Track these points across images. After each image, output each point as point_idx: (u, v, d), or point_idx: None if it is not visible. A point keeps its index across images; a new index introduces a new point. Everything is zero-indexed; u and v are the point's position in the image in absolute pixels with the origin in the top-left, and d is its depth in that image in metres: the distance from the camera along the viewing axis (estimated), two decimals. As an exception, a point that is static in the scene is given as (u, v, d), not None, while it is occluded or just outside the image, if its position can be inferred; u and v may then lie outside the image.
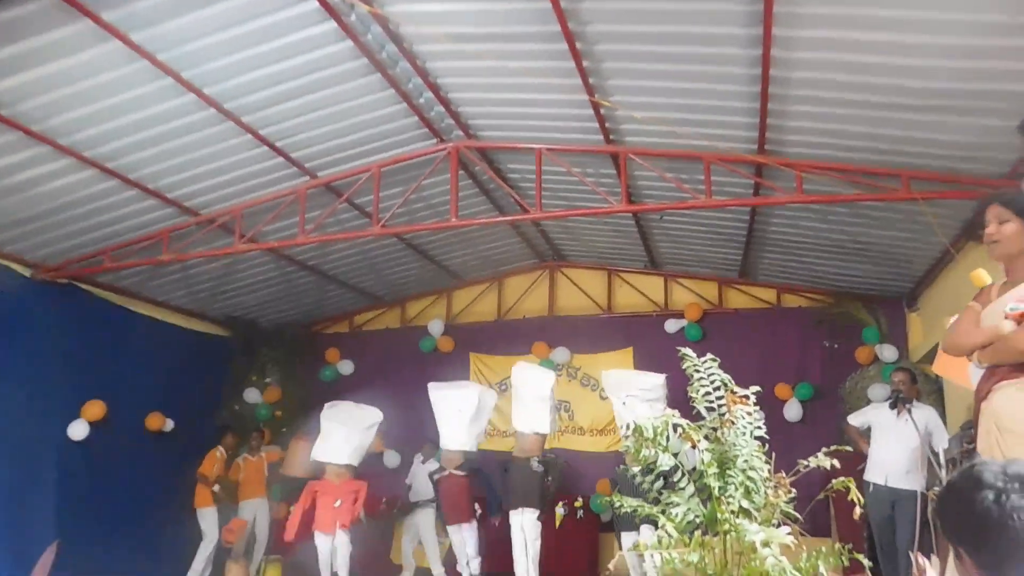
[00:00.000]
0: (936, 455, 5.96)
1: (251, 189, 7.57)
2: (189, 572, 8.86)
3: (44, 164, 6.37)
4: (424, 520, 9.16)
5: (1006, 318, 2.89)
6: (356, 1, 5.10)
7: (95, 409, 8.22)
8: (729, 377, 3.58)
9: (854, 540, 4.81)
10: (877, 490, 6.29)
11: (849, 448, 3.70)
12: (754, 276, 10.11)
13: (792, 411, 9.35)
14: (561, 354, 10.54)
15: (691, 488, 3.40)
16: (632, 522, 6.60)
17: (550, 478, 8.09)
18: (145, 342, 8.95)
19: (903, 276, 8.78)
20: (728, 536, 3.22)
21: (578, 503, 9.35)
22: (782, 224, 8.22)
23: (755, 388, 3.57)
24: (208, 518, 9.07)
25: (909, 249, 7.93)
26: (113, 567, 7.85)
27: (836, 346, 9.60)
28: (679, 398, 4.16)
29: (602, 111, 6.38)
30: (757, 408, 3.54)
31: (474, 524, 8.34)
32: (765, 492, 3.33)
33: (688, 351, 3.72)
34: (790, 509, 3.37)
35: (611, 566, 3.43)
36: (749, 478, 3.29)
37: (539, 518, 7.94)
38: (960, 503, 1.59)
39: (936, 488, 5.20)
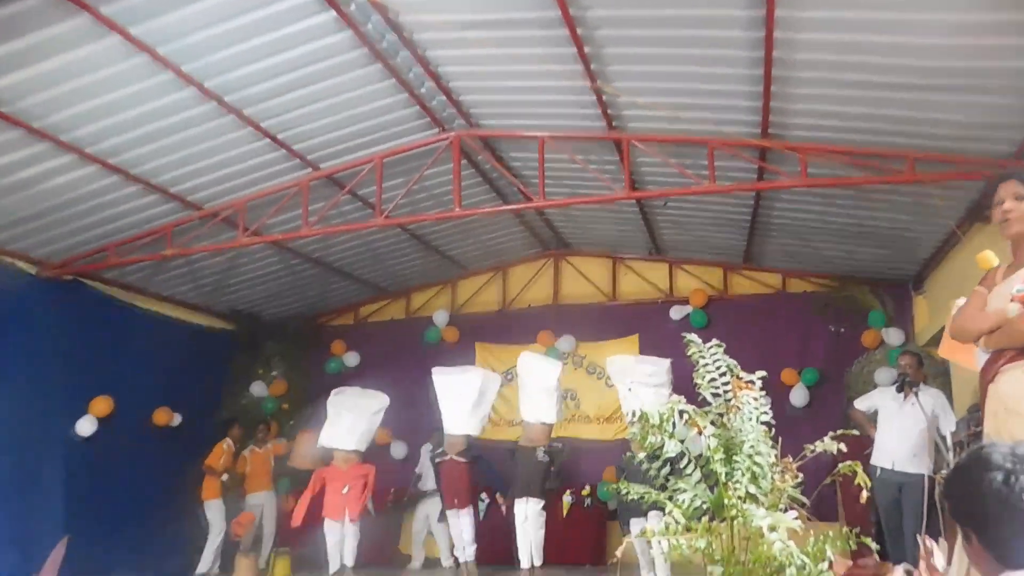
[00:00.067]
0: (943, 438, 5.95)
1: (254, 182, 7.57)
2: (199, 565, 8.92)
3: (46, 161, 6.37)
4: (434, 509, 9.19)
5: (1012, 300, 2.87)
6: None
7: (102, 405, 8.25)
8: (735, 363, 3.57)
9: (861, 524, 4.80)
10: (884, 474, 6.27)
11: (855, 432, 3.69)
12: (759, 261, 10.08)
13: (798, 396, 9.34)
14: (566, 342, 10.53)
15: (697, 474, 3.40)
16: (639, 509, 6.61)
17: (553, 468, 8.15)
18: (150, 337, 8.97)
19: (909, 259, 8.73)
20: (735, 521, 3.22)
21: (585, 491, 9.38)
22: (786, 208, 8.18)
23: (761, 373, 3.57)
24: (215, 510, 9.13)
25: (915, 232, 7.88)
26: (119, 562, 7.89)
27: (842, 330, 9.58)
28: (685, 385, 4.15)
29: (604, 97, 6.35)
30: (763, 393, 3.53)
31: (470, 510, 8.40)
32: (772, 477, 3.32)
33: (693, 338, 3.72)
34: (797, 494, 3.37)
35: (618, 553, 3.42)
36: (756, 463, 3.29)
37: (544, 508, 7.98)
38: (969, 484, 1.59)
39: (943, 472, 5.19)
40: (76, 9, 4.86)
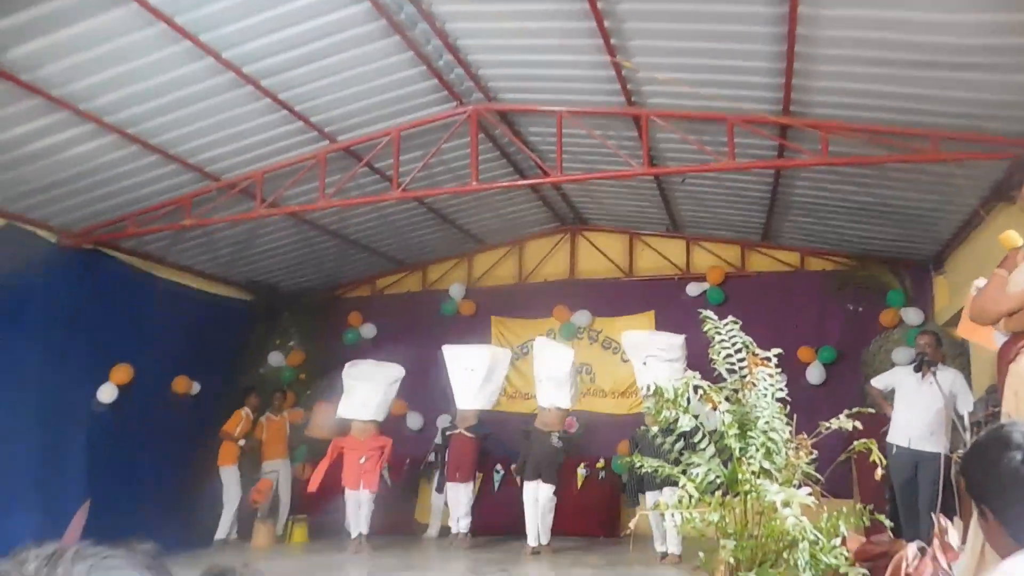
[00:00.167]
0: (961, 418, 5.93)
1: (271, 154, 7.58)
2: (218, 531, 9.08)
3: (65, 130, 6.40)
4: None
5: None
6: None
7: (122, 373, 8.36)
8: (751, 339, 3.57)
9: (876, 501, 4.81)
10: (900, 452, 6.28)
11: (871, 410, 3.69)
12: (777, 239, 10.02)
13: (814, 374, 9.32)
14: (582, 317, 10.54)
15: (711, 449, 3.42)
16: (654, 482, 6.66)
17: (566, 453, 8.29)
18: (169, 307, 9.03)
19: (929, 238, 8.65)
20: (748, 496, 3.23)
21: (599, 464, 9.45)
22: (806, 187, 8.11)
23: (776, 350, 3.57)
24: (230, 476, 9.26)
25: (936, 211, 7.80)
26: (141, 526, 8.00)
27: (860, 309, 9.53)
28: (701, 362, 4.15)
29: (623, 72, 6.29)
30: (779, 370, 3.53)
31: (471, 484, 8.52)
32: (786, 453, 3.33)
33: (709, 314, 3.71)
34: (811, 470, 3.37)
35: (632, 525, 3.45)
36: (770, 439, 3.30)
37: (555, 493, 8.07)
38: (988, 462, 1.60)
39: (960, 451, 5.17)
40: (96, -22, 4.86)
